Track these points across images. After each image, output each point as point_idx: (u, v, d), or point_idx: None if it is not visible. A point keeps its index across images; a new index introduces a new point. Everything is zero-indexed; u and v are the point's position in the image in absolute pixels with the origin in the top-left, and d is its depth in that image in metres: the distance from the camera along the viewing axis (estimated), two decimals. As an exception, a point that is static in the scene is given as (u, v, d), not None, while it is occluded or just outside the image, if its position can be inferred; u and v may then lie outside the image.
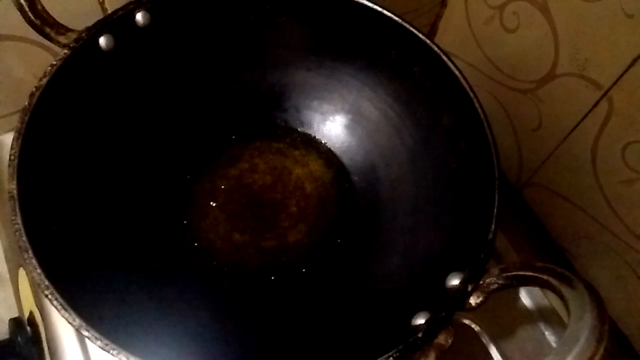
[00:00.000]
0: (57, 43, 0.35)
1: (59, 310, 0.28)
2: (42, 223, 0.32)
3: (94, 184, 0.37)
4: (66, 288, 0.29)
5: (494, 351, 0.40)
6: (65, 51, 0.35)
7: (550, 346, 0.43)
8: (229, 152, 0.46)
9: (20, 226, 0.30)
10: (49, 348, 0.39)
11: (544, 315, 0.44)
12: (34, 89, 0.33)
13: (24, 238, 0.30)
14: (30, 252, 0.29)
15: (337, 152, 0.47)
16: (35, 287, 0.40)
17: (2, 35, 0.41)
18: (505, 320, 0.43)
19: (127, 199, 0.39)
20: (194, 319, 0.36)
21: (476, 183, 0.35)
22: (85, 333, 0.28)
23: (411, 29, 0.38)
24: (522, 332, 0.44)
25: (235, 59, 0.45)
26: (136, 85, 0.41)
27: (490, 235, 0.31)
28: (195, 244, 0.41)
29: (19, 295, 0.44)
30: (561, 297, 0.28)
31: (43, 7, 0.35)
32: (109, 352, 0.27)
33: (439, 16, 0.56)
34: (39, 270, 0.29)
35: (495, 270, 0.31)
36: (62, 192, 0.35)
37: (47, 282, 0.29)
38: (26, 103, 0.33)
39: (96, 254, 0.35)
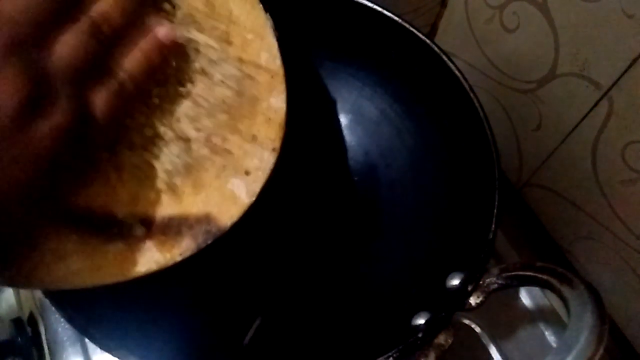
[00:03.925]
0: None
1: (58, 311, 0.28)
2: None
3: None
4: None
5: (494, 351, 0.40)
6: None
7: (550, 346, 0.43)
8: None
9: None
10: (49, 348, 0.39)
11: (544, 315, 0.44)
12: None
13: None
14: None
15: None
16: (35, 287, 0.40)
17: None
18: (505, 320, 0.43)
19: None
20: (196, 319, 0.36)
21: (476, 183, 0.35)
22: (86, 333, 0.28)
23: (411, 29, 0.38)
24: (522, 332, 0.44)
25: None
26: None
27: (490, 235, 0.31)
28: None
29: (19, 295, 0.44)
30: (561, 297, 0.28)
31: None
32: (109, 352, 0.27)
33: (439, 16, 0.56)
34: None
35: (495, 270, 0.31)
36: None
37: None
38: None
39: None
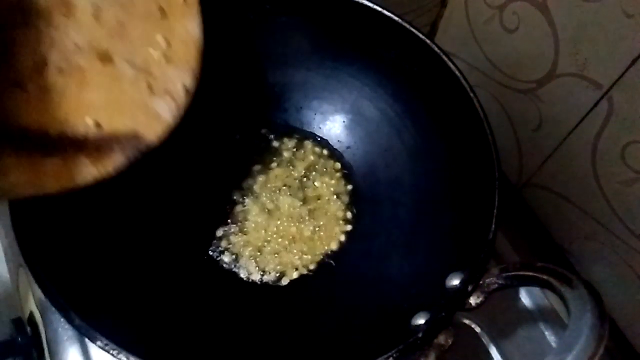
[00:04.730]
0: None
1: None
2: (38, 223, 0.32)
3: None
4: (66, 288, 0.29)
5: (494, 351, 0.40)
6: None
7: (550, 346, 0.43)
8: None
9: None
10: (49, 348, 0.39)
11: (544, 315, 0.44)
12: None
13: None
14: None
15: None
16: (35, 287, 0.40)
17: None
18: (505, 320, 0.43)
19: (129, 201, 0.39)
20: (197, 320, 0.36)
21: (476, 183, 0.35)
22: (85, 333, 0.28)
23: (411, 29, 0.38)
24: (522, 332, 0.44)
25: (235, 59, 0.45)
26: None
27: (490, 235, 0.31)
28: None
29: (19, 295, 0.44)
30: (561, 297, 0.28)
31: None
32: (109, 352, 0.27)
33: (439, 16, 0.56)
34: (39, 270, 0.29)
35: (495, 270, 0.31)
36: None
37: (47, 282, 0.29)
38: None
39: (96, 254, 0.35)
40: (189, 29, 0.31)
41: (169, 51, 0.31)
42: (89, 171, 0.29)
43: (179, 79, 0.31)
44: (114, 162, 0.29)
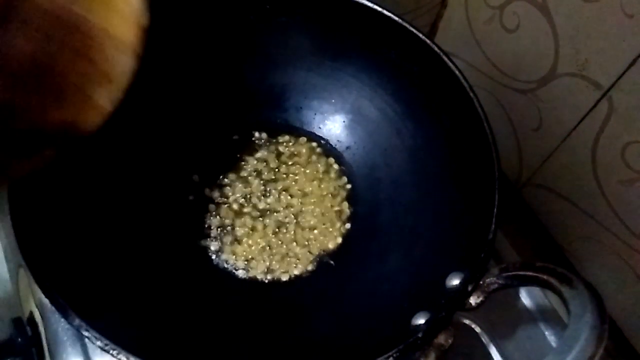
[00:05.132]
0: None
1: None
2: (38, 223, 0.32)
3: (91, 185, 0.37)
4: (66, 288, 0.29)
5: (494, 351, 0.40)
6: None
7: (550, 346, 0.43)
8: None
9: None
10: (49, 348, 0.39)
11: (544, 315, 0.44)
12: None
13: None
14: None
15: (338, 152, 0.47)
16: (35, 287, 0.40)
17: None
18: (505, 320, 0.43)
19: (128, 202, 0.39)
20: (196, 320, 0.36)
21: (476, 183, 0.35)
22: (85, 333, 0.28)
23: (411, 29, 0.38)
24: (522, 332, 0.44)
25: (235, 60, 0.45)
26: (135, 84, 0.40)
27: (490, 235, 0.31)
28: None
29: (19, 295, 0.44)
30: (561, 297, 0.28)
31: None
32: (109, 352, 0.27)
33: (439, 16, 0.56)
34: (39, 270, 0.29)
35: (495, 270, 0.31)
36: (57, 196, 0.34)
37: (47, 282, 0.29)
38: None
39: (96, 253, 0.35)
40: (131, 3, 0.27)
41: (109, 30, 0.27)
42: (18, 166, 0.27)
43: (119, 61, 0.28)
44: (44, 155, 0.27)
